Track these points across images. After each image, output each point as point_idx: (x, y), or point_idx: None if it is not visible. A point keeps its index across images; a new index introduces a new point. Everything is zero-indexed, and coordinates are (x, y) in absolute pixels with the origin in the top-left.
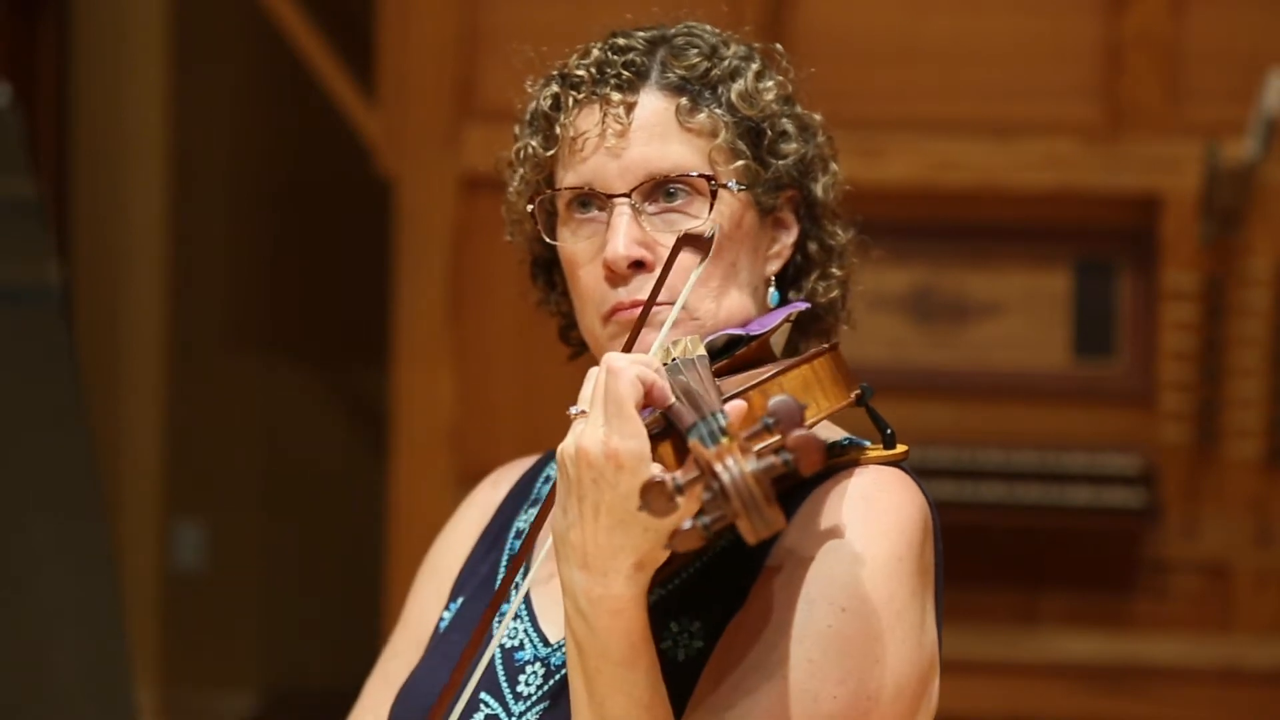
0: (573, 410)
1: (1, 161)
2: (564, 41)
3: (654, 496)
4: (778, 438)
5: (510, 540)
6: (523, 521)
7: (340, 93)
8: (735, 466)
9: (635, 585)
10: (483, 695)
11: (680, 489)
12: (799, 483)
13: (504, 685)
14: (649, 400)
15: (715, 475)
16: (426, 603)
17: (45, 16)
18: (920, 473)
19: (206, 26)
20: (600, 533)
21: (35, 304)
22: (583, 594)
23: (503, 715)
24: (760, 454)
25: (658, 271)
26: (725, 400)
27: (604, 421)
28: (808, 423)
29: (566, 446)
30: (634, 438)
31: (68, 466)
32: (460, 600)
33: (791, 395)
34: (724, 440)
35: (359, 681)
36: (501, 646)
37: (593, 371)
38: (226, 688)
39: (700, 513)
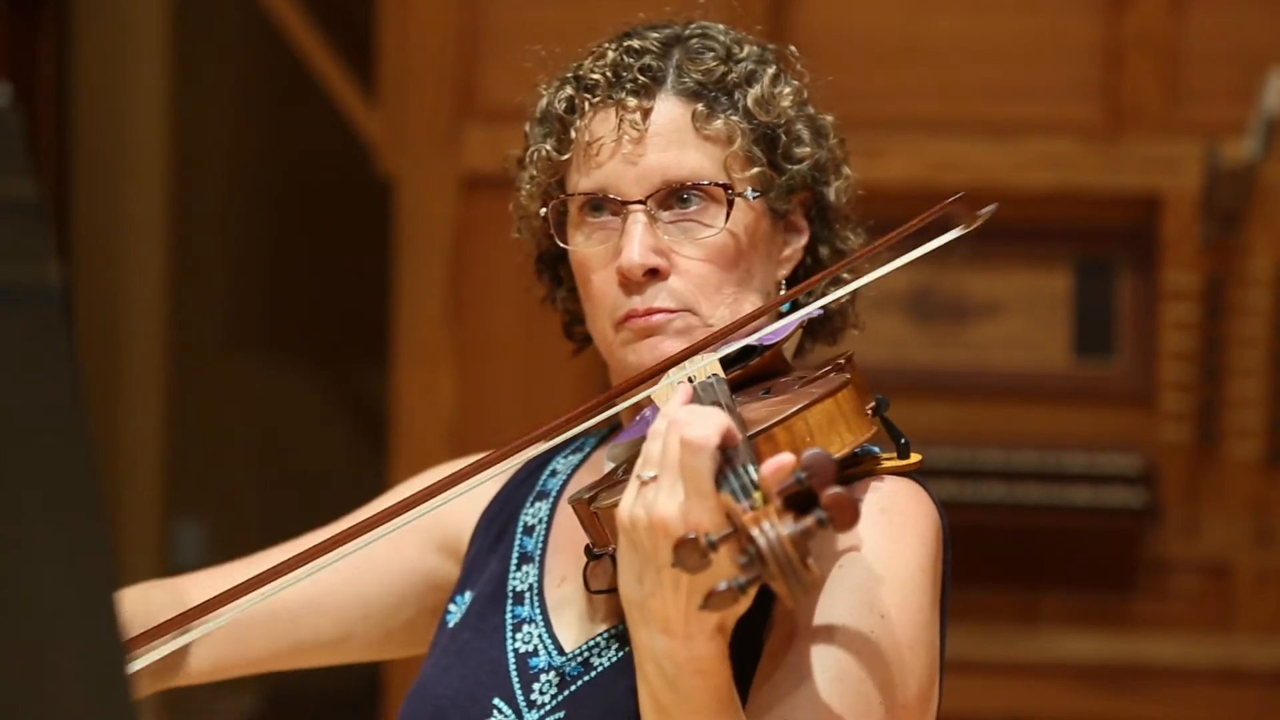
0: (645, 475)
1: (1, 161)
2: (565, 41)
3: (687, 554)
4: (809, 492)
5: (519, 535)
6: (530, 516)
7: (340, 93)
8: (772, 531)
9: (718, 645)
10: (496, 701)
11: (714, 545)
12: None
13: (518, 692)
14: (721, 446)
15: (751, 539)
16: (407, 539)
17: (45, 16)
18: (921, 473)
19: (206, 27)
20: (682, 601)
21: (35, 304)
22: (667, 659)
23: None
24: (797, 515)
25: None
26: (752, 436)
27: (683, 496)
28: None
29: (637, 515)
30: (713, 512)
31: (68, 466)
32: (469, 595)
33: (814, 436)
34: (757, 496)
35: (359, 682)
36: (515, 651)
37: (656, 429)
38: (226, 688)
39: (736, 573)
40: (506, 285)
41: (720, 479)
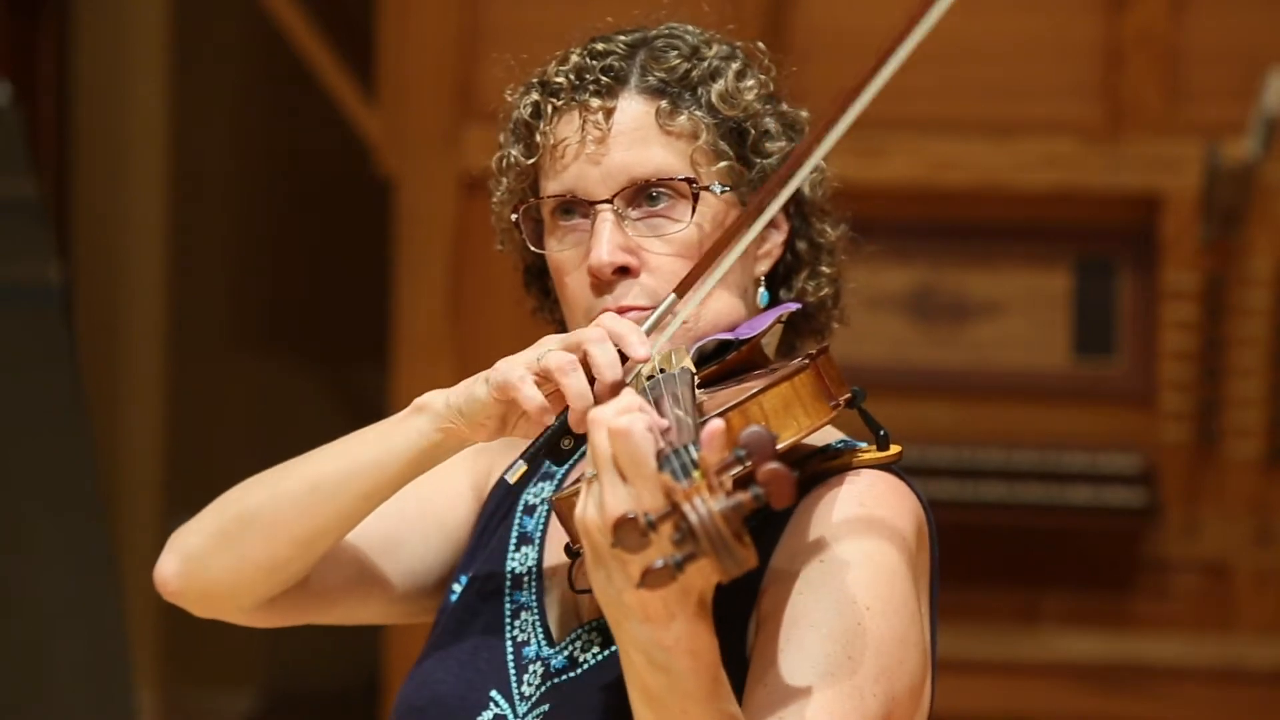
0: (588, 474)
1: (1, 161)
2: (564, 42)
3: (626, 533)
4: (750, 471)
5: (519, 514)
6: (532, 495)
7: (340, 93)
8: (704, 506)
9: (703, 620)
10: (492, 693)
11: (653, 525)
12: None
13: (513, 683)
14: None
15: (684, 515)
16: (443, 487)
17: (45, 16)
18: (920, 473)
19: (206, 27)
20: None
21: (35, 304)
22: (655, 646)
23: (510, 716)
24: (730, 491)
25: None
26: (703, 421)
27: (625, 487)
28: (782, 446)
29: (588, 515)
30: (654, 493)
31: (68, 466)
32: (469, 576)
33: (768, 420)
34: (695, 474)
35: (359, 681)
36: (513, 639)
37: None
38: (226, 688)
39: (672, 551)
40: (506, 285)
41: (662, 460)
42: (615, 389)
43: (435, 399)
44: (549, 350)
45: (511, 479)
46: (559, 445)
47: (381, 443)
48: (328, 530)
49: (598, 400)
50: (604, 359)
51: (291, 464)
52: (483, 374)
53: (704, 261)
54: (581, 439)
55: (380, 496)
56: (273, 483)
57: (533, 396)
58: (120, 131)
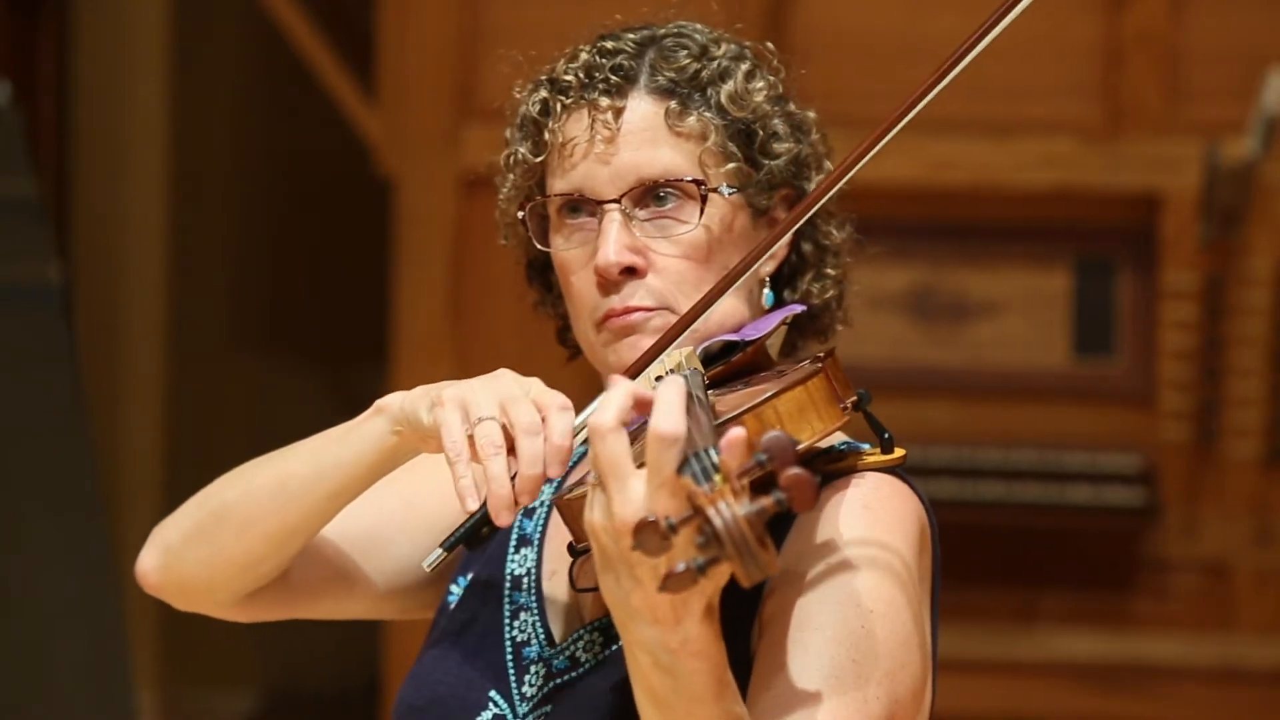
0: (592, 479)
1: (1, 161)
2: (565, 42)
3: (647, 536)
4: (770, 475)
5: (519, 517)
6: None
7: (340, 93)
8: (728, 510)
9: (710, 622)
10: (492, 693)
11: (674, 528)
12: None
13: (512, 683)
14: (641, 410)
15: (708, 519)
16: (429, 489)
17: (45, 16)
18: (920, 472)
19: (206, 26)
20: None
21: (35, 304)
22: (661, 648)
23: (509, 716)
24: (753, 496)
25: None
26: (720, 424)
27: (644, 489)
28: (800, 450)
29: (595, 519)
30: (674, 496)
31: (68, 466)
32: (470, 576)
33: (783, 423)
34: (716, 478)
35: (359, 681)
36: (512, 640)
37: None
38: (226, 688)
39: (694, 554)
40: (506, 285)
41: (683, 464)
42: (534, 485)
43: (392, 401)
44: (485, 420)
45: (428, 568)
46: (479, 534)
47: (344, 442)
48: (299, 528)
49: (516, 492)
50: (529, 453)
51: (266, 460)
52: (432, 396)
53: (655, 349)
54: (497, 529)
55: (348, 495)
56: (247, 479)
57: (463, 475)
58: (120, 131)
